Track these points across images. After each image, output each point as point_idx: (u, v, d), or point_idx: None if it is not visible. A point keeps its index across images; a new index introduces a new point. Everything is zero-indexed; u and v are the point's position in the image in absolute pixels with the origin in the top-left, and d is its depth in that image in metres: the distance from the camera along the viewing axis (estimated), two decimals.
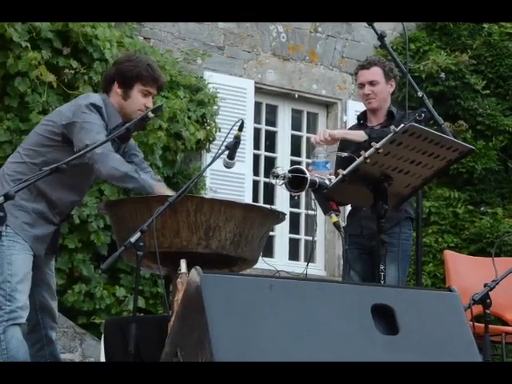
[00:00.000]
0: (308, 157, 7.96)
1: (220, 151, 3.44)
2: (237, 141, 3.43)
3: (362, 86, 4.31)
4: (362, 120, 4.39)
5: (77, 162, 3.33)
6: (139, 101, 3.64)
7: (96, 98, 3.65)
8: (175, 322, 2.62)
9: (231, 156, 3.46)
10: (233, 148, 3.42)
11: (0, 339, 3.43)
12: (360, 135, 4.09)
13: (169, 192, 3.54)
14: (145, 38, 7.05)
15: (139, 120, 3.08)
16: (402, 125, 3.11)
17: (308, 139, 8.00)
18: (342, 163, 3.60)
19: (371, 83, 4.26)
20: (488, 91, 7.92)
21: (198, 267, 2.51)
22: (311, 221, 7.68)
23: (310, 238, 7.58)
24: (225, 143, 3.43)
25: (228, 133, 3.42)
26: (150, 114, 3.05)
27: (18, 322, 3.49)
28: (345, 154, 3.51)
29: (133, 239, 3.11)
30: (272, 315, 2.50)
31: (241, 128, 3.42)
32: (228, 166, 3.51)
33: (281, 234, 7.59)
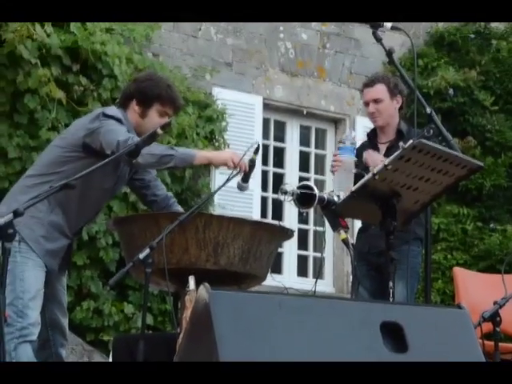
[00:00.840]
0: (316, 172, 7.96)
1: (234, 172, 3.41)
2: (252, 164, 3.40)
3: (367, 104, 4.30)
4: (372, 137, 4.38)
5: (87, 163, 3.36)
6: (156, 120, 3.63)
7: (115, 110, 3.67)
8: (183, 339, 2.61)
9: (246, 179, 3.44)
10: (248, 171, 3.40)
11: (11, 356, 3.42)
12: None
13: (209, 154, 3.55)
14: (154, 55, 7.08)
15: (148, 136, 3.09)
16: (411, 141, 3.11)
17: (316, 155, 8.00)
18: None
19: (375, 101, 4.25)
20: (496, 107, 7.91)
21: (206, 284, 2.50)
22: (320, 237, 7.67)
23: (319, 255, 7.57)
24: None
25: (243, 155, 3.41)
26: (159, 131, 3.05)
27: (29, 339, 3.49)
28: (354, 171, 3.51)
29: (141, 256, 3.11)
30: (281, 333, 2.48)
31: (256, 151, 3.40)
32: (242, 188, 3.49)
33: (289, 250, 7.58)
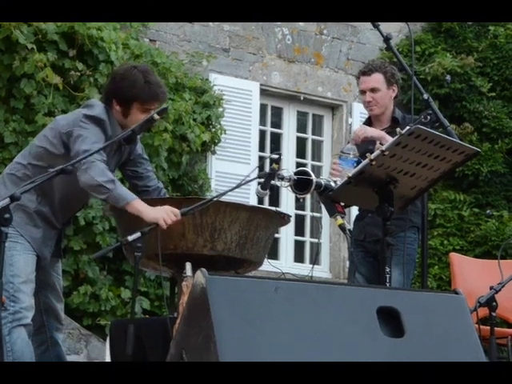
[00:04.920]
0: (313, 159, 7.96)
1: (250, 178, 3.32)
2: (271, 173, 3.32)
3: (363, 92, 4.29)
4: (367, 125, 4.38)
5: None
6: (138, 117, 3.58)
7: (100, 109, 3.62)
8: (180, 323, 2.62)
9: (264, 186, 3.38)
10: (267, 179, 3.34)
11: (5, 341, 3.41)
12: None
13: (142, 208, 3.37)
14: (150, 40, 7.06)
15: (145, 122, 3.09)
16: (408, 127, 3.11)
17: (313, 141, 8.00)
18: None
19: (372, 90, 4.24)
20: (494, 94, 7.91)
21: (203, 269, 2.51)
22: (316, 223, 7.68)
23: (316, 240, 7.58)
24: (257, 172, 3.31)
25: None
26: (156, 116, 3.05)
27: (22, 322, 3.49)
28: (351, 156, 3.51)
29: (130, 238, 3.11)
30: (277, 317, 2.50)
31: (278, 161, 3.31)
32: (260, 195, 3.45)
33: (286, 236, 7.59)
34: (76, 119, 3.57)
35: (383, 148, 3.11)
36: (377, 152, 3.13)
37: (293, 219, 7.59)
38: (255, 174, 3.38)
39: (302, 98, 7.79)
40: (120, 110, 3.63)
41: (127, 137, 3.00)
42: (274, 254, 7.40)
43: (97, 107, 3.64)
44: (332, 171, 3.76)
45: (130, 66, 3.75)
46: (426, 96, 3.48)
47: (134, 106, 3.61)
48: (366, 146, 3.97)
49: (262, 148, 7.62)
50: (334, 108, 7.99)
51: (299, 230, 7.71)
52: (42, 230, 3.63)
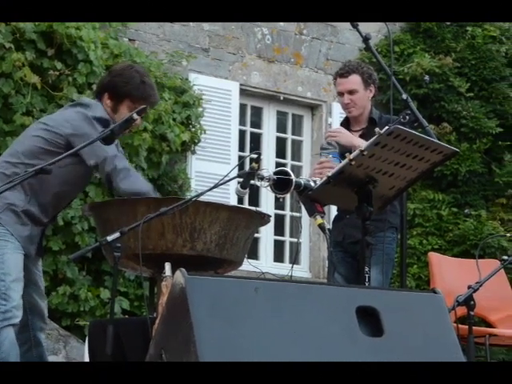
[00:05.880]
0: (293, 159, 7.97)
1: (230, 177, 3.32)
2: (251, 172, 3.33)
3: (341, 94, 4.29)
4: (345, 126, 4.38)
5: (68, 161, 3.37)
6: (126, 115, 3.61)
7: (101, 109, 3.65)
8: (160, 324, 2.62)
9: (244, 185, 3.39)
10: (246, 178, 3.35)
11: None
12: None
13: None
14: (130, 40, 7.03)
15: (124, 122, 3.08)
16: (387, 127, 3.12)
17: (293, 141, 8.01)
18: None
19: (350, 92, 4.24)
20: (472, 94, 7.96)
21: (182, 269, 2.50)
22: (296, 223, 7.69)
23: (295, 240, 7.59)
24: (237, 171, 3.31)
25: (241, 161, 3.32)
26: (135, 116, 3.05)
27: (12, 322, 3.46)
28: (330, 156, 3.52)
29: (109, 238, 3.11)
30: (257, 317, 2.50)
31: (257, 160, 3.32)
32: (240, 194, 3.45)
33: (266, 235, 7.60)
34: (81, 120, 3.57)
35: (362, 148, 3.12)
36: (356, 152, 3.13)
37: (272, 219, 7.64)
38: (235, 173, 3.37)
39: (281, 98, 7.80)
40: (110, 105, 3.66)
41: (106, 137, 3.00)
42: (253, 254, 7.40)
43: (97, 107, 3.66)
44: (319, 170, 3.75)
45: (128, 65, 3.83)
46: (404, 96, 3.50)
47: (125, 102, 3.63)
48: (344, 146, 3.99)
49: (241, 148, 7.62)
50: (313, 108, 8.01)
51: (279, 230, 7.72)
52: (30, 229, 3.62)
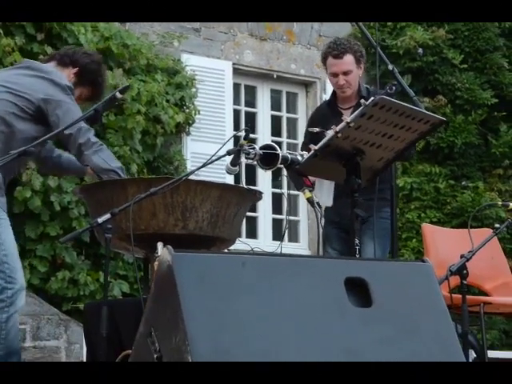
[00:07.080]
0: (289, 137, 7.95)
1: (218, 156, 3.31)
2: (239, 149, 3.32)
3: (335, 75, 4.21)
4: (332, 102, 4.33)
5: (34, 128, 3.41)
6: (76, 97, 3.68)
7: (66, 79, 3.67)
8: (149, 301, 2.62)
9: (234, 163, 3.38)
10: (236, 155, 3.34)
11: (1, 328, 3.32)
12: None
13: None
14: (120, 22, 7.00)
15: (107, 101, 3.07)
16: (372, 98, 3.11)
17: (288, 119, 7.99)
18: (313, 139, 3.59)
19: (345, 73, 4.19)
20: (466, 65, 7.92)
21: (169, 246, 2.50)
22: (294, 201, 7.69)
23: (294, 218, 7.60)
24: (226, 148, 3.32)
25: (228, 139, 3.34)
26: (118, 95, 3.03)
27: (18, 306, 3.39)
28: (316, 130, 3.51)
29: (100, 220, 3.11)
30: (245, 292, 2.50)
31: (246, 137, 3.32)
32: (230, 172, 3.44)
33: (264, 214, 7.60)
34: (56, 87, 3.57)
35: (348, 120, 3.11)
36: (342, 124, 3.12)
37: (270, 198, 7.63)
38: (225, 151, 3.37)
39: (275, 76, 7.77)
40: (72, 81, 3.70)
41: (90, 117, 2.99)
42: (252, 233, 7.41)
43: (62, 76, 3.67)
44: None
45: (101, 58, 3.86)
46: (390, 67, 3.49)
47: (85, 88, 3.72)
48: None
49: (236, 127, 7.60)
50: (307, 85, 7.98)
51: (277, 209, 7.72)
52: (2, 194, 3.53)
